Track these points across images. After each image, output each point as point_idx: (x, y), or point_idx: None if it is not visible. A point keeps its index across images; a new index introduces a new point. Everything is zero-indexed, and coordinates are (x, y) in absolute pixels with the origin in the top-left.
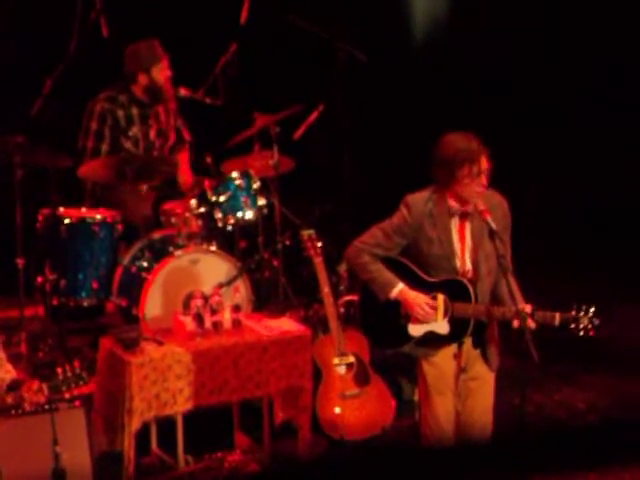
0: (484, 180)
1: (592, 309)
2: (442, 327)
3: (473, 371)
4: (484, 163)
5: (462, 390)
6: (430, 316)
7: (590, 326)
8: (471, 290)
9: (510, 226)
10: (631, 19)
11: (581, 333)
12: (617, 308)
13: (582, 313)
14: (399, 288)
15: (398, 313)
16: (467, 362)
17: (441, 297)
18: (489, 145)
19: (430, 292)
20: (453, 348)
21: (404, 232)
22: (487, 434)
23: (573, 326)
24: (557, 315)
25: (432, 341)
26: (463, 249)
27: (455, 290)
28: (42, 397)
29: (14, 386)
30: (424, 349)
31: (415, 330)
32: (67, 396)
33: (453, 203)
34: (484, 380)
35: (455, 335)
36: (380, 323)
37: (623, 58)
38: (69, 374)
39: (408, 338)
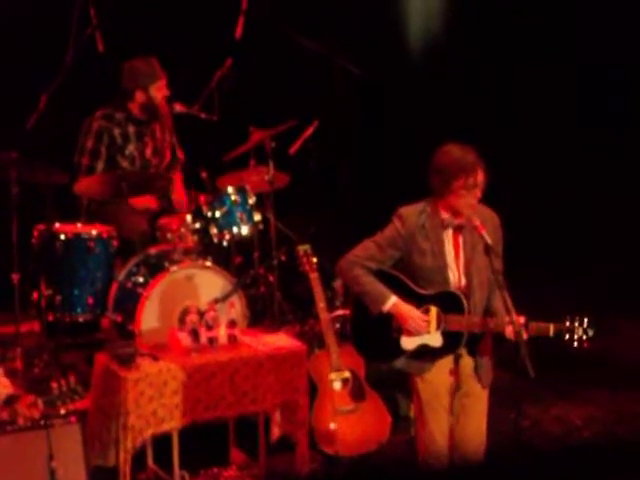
0: (478, 193)
1: (586, 319)
2: (435, 340)
3: (467, 387)
4: (480, 176)
5: (455, 406)
6: (423, 329)
7: (585, 337)
8: (464, 302)
9: (501, 240)
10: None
11: (575, 344)
12: (614, 322)
13: (576, 324)
14: (392, 301)
15: (390, 326)
16: (462, 379)
17: (434, 309)
18: (486, 158)
19: (423, 304)
20: (449, 364)
21: (397, 244)
22: (481, 451)
23: (567, 337)
24: (551, 326)
25: (425, 354)
26: (456, 262)
27: (448, 302)
28: (36, 412)
29: (9, 401)
30: (418, 363)
31: (408, 343)
32: (62, 411)
33: (445, 215)
34: (478, 397)
35: (448, 347)
36: (372, 337)
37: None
38: (64, 389)
39: (400, 351)
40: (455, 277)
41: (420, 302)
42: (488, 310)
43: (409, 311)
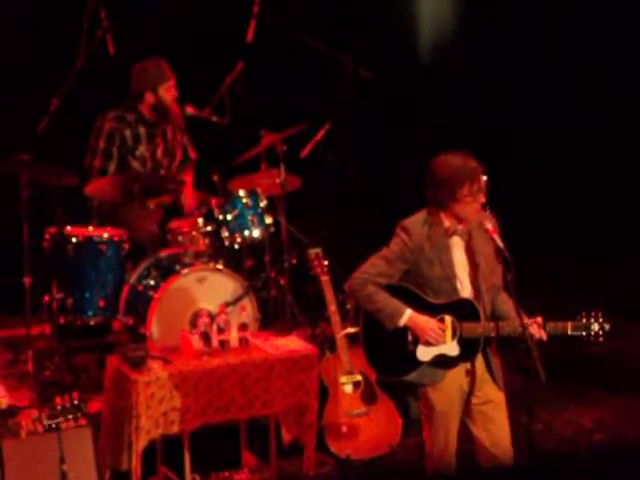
0: (483, 197)
1: (601, 314)
2: (452, 348)
3: (483, 394)
4: (482, 180)
5: (477, 416)
6: (442, 339)
7: (601, 332)
8: (479, 308)
9: None
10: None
11: (592, 339)
12: (625, 325)
13: (592, 319)
14: (408, 314)
15: (404, 340)
16: (477, 385)
17: (448, 318)
18: (486, 162)
19: (436, 314)
20: (465, 365)
21: (406, 257)
22: (511, 454)
23: (584, 334)
24: (569, 324)
25: (442, 364)
26: (466, 269)
27: (461, 310)
28: (40, 427)
29: (12, 412)
30: (431, 373)
31: (424, 354)
32: (63, 427)
33: (448, 223)
34: (497, 402)
35: (465, 355)
36: (386, 352)
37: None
38: (67, 405)
39: (417, 364)
40: (463, 284)
41: (433, 312)
42: (494, 314)
43: (426, 322)
